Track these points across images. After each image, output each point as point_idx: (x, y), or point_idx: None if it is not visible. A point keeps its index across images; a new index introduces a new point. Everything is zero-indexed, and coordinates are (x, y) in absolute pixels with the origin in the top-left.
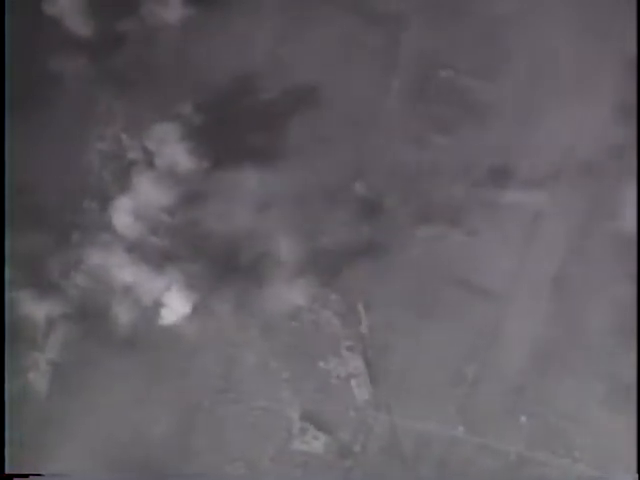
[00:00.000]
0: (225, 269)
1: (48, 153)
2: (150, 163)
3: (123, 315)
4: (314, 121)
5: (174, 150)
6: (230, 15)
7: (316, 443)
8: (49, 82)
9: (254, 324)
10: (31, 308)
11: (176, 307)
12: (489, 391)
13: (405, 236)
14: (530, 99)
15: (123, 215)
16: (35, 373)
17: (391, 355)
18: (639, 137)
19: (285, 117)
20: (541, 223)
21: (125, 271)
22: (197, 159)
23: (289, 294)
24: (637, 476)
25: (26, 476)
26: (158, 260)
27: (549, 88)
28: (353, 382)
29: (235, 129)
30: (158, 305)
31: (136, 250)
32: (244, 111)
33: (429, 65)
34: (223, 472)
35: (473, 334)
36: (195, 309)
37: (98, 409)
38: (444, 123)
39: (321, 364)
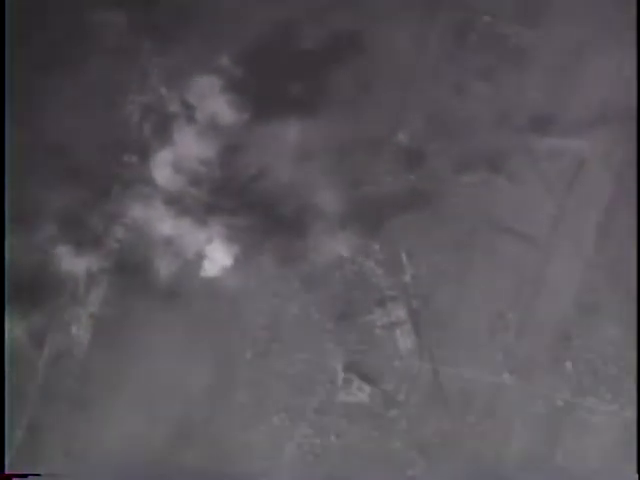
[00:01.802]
0: (267, 221)
1: (87, 108)
2: (190, 116)
3: (164, 268)
4: (355, 70)
5: (214, 103)
6: None
7: (361, 394)
8: (86, 37)
9: (296, 276)
10: (72, 263)
11: (218, 259)
12: (534, 337)
13: (447, 184)
14: (571, 44)
15: (164, 168)
16: (77, 327)
17: (435, 304)
18: (639, 132)
19: (326, 67)
20: (583, 169)
21: (166, 224)
22: (237, 111)
23: (332, 245)
24: (637, 476)
25: (25, 476)
26: (199, 213)
27: (591, 32)
28: (397, 332)
29: (275, 80)
30: (200, 257)
31: (177, 203)
32: (284, 61)
33: (468, 12)
34: (268, 423)
35: (517, 281)
36: (237, 261)
37: (140, 362)
38: (484, 70)
39: (364, 314)
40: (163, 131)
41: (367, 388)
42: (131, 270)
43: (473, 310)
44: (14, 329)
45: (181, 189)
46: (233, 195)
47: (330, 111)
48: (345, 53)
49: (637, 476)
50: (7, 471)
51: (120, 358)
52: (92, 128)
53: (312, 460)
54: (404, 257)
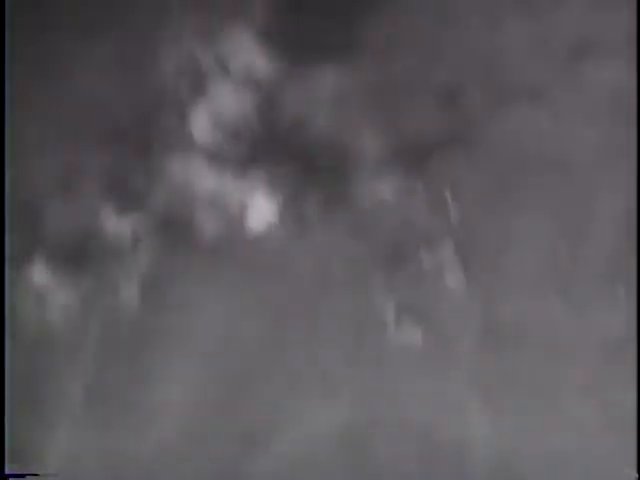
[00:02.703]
0: (309, 170)
1: (120, 69)
2: (225, 69)
3: (208, 223)
4: (389, 13)
5: (249, 55)
6: None
7: (413, 336)
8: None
9: (341, 222)
10: (116, 224)
11: (262, 211)
12: (587, 267)
13: (488, 120)
14: None
15: (201, 124)
16: (125, 289)
17: (483, 241)
18: (639, 132)
19: (359, 11)
20: (626, 94)
21: (207, 179)
22: (273, 62)
23: (375, 189)
24: (637, 476)
25: (22, 476)
26: (240, 166)
27: None
28: (446, 271)
29: (309, 28)
30: (243, 210)
31: (217, 158)
32: (317, 8)
33: None
34: (324, 374)
35: (565, 212)
36: (281, 212)
37: (191, 318)
38: (518, 1)
39: (412, 256)
40: (199, 86)
41: (419, 330)
42: (176, 228)
43: (522, 246)
44: (65, 297)
45: (220, 143)
46: (273, 146)
47: (365, 54)
48: None
49: (637, 476)
50: (7, 471)
51: (171, 316)
52: (125, 88)
53: (370, 401)
54: (448, 196)
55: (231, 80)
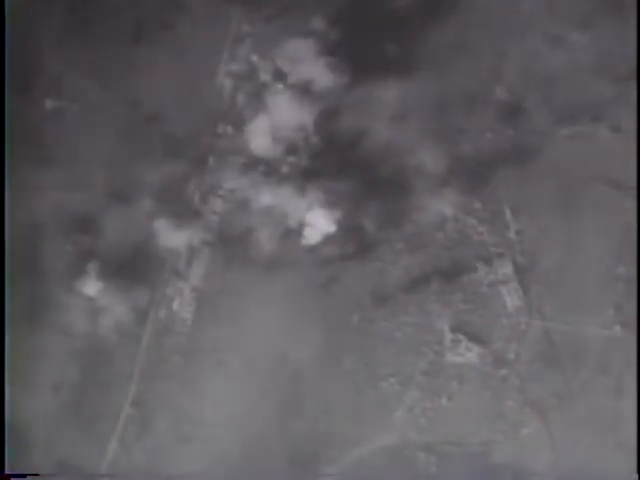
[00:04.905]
0: (368, 184)
1: (178, 79)
2: (284, 82)
3: (265, 238)
4: (450, 27)
5: (309, 67)
6: None
7: (470, 354)
8: (175, 7)
9: (399, 237)
10: (172, 237)
11: (320, 226)
12: None
13: (549, 137)
14: None
15: (259, 137)
16: (180, 302)
17: (541, 259)
18: (639, 125)
19: (421, 25)
20: None
21: (265, 193)
22: (335, 75)
23: (434, 205)
24: (637, 476)
25: (24, 476)
26: (298, 180)
27: None
28: (503, 289)
29: (371, 41)
30: (301, 225)
31: (275, 171)
32: (379, 21)
33: None
34: (377, 388)
35: (624, 232)
36: (339, 226)
37: (245, 334)
38: (581, 19)
39: (469, 273)
40: (257, 99)
41: (475, 348)
42: (232, 241)
43: (581, 265)
44: (117, 306)
45: (278, 157)
46: (332, 160)
47: (426, 69)
48: (440, 9)
49: (637, 476)
50: (7, 471)
51: (225, 331)
52: (184, 100)
53: (424, 424)
54: (508, 213)
55: (290, 92)
